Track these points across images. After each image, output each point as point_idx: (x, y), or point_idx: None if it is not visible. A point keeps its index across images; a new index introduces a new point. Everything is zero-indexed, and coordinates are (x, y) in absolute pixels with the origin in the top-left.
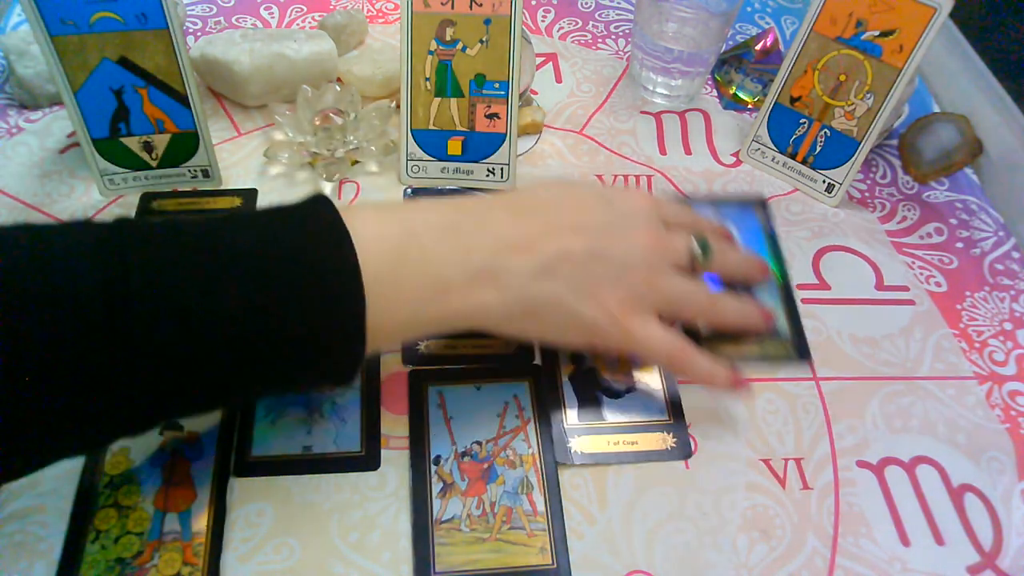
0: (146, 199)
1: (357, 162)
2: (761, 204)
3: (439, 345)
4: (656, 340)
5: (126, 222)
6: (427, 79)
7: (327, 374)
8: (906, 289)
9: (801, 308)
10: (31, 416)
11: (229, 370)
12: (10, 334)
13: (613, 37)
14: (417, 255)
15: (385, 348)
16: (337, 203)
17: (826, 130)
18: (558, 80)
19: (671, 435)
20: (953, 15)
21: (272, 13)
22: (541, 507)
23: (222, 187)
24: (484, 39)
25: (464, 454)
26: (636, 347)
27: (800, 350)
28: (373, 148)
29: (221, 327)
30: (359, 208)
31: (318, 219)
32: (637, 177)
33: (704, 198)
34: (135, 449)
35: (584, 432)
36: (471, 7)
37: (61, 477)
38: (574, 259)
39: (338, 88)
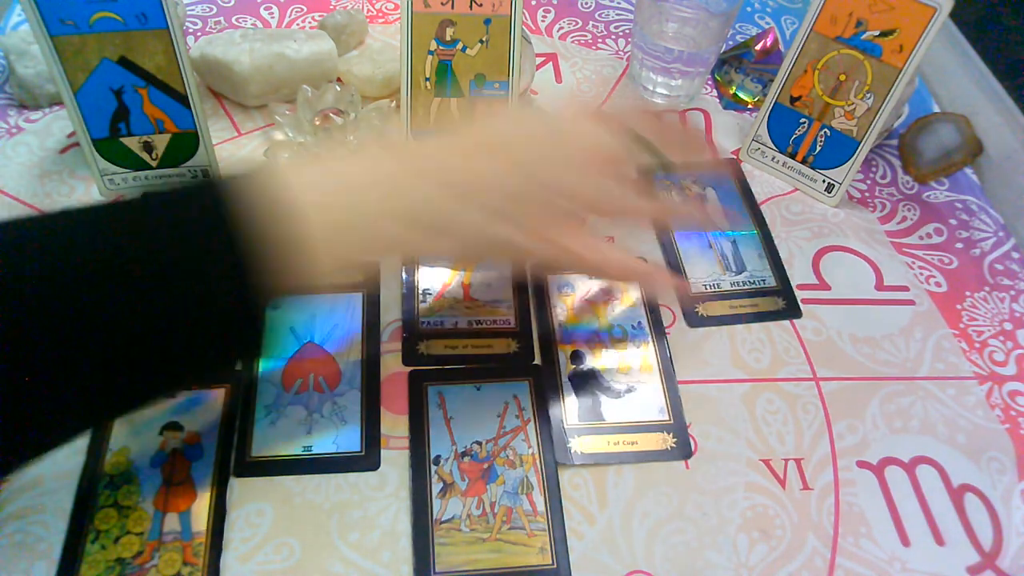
0: None
1: None
2: (734, 166)
3: (439, 345)
4: (581, 249)
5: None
6: (427, 79)
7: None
8: (906, 289)
9: (801, 308)
10: None
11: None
12: None
13: (613, 37)
14: (354, 215)
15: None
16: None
17: (826, 130)
18: (558, 80)
19: (671, 435)
20: (953, 15)
21: (272, 13)
22: (541, 507)
23: None
24: (484, 39)
25: (464, 454)
26: (563, 259)
27: (789, 303)
28: None
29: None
30: (297, 167)
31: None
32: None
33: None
34: (135, 449)
35: (584, 432)
36: (471, 7)
37: (61, 477)
38: (519, 196)
39: (338, 88)
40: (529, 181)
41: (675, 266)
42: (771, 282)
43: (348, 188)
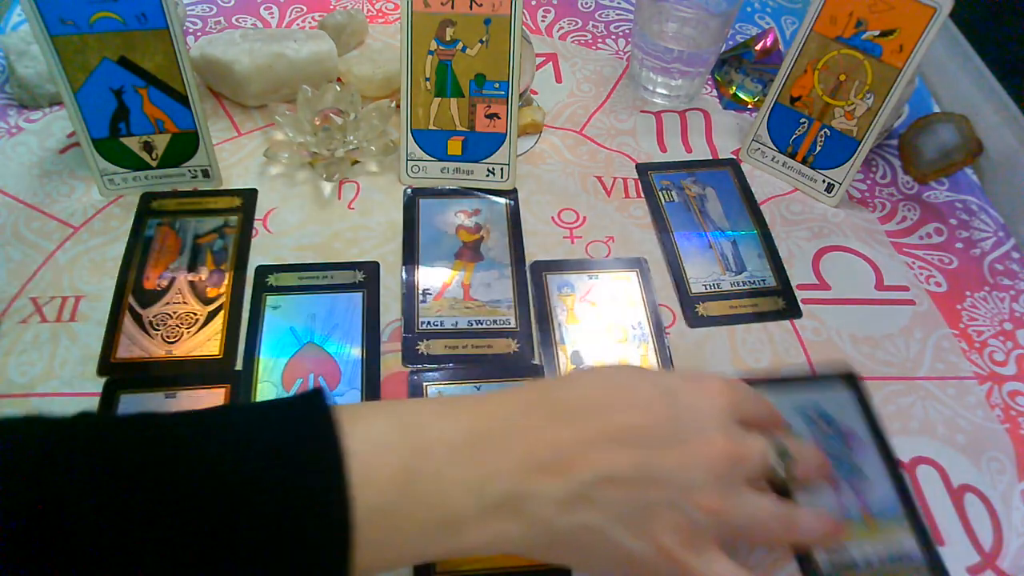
0: (146, 199)
1: (357, 162)
2: (733, 166)
3: (439, 345)
4: (708, 571)
5: (80, 428)
6: (427, 79)
7: None
8: (906, 289)
9: (801, 308)
10: None
11: None
12: None
13: (613, 37)
14: (426, 483)
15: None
16: (335, 404)
17: (826, 130)
18: (558, 80)
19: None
20: (953, 15)
21: (272, 13)
22: None
23: (222, 187)
24: (484, 39)
25: None
26: None
27: (789, 303)
28: (373, 148)
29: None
30: (362, 412)
31: (307, 432)
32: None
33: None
34: None
35: None
36: (471, 7)
37: None
38: (619, 481)
39: (338, 88)
40: (668, 487)
41: (675, 266)
42: (771, 282)
43: (426, 457)
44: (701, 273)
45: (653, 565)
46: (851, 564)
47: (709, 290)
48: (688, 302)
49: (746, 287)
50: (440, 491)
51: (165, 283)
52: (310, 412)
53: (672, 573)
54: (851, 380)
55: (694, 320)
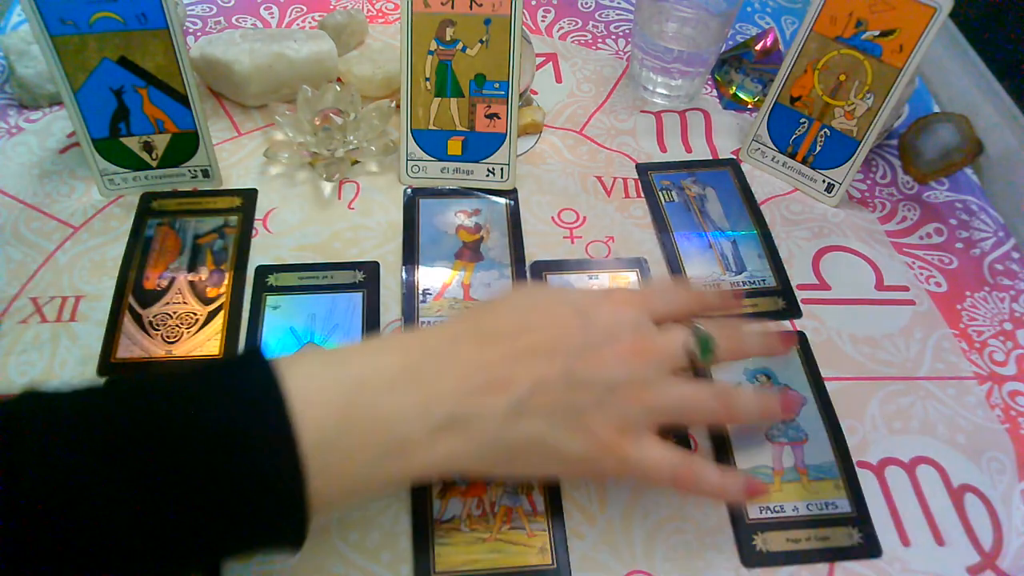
0: (146, 199)
1: (357, 162)
2: (733, 166)
3: None
4: (655, 462)
5: (28, 399)
6: (427, 79)
7: (272, 544)
8: (906, 289)
9: (801, 308)
10: None
11: (165, 550)
12: None
13: (613, 37)
14: (367, 413)
15: (342, 510)
16: (275, 358)
17: (826, 130)
18: (558, 80)
19: (671, 435)
20: (953, 15)
21: (272, 13)
22: (541, 507)
23: (222, 187)
24: (484, 39)
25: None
26: (634, 473)
27: (789, 303)
28: (373, 148)
29: (145, 517)
30: (300, 361)
31: (249, 385)
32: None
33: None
34: None
35: None
36: (471, 7)
37: None
38: (550, 390)
39: (338, 88)
40: (579, 384)
41: (675, 266)
42: (771, 282)
43: (368, 389)
44: (701, 273)
45: (594, 460)
46: (782, 519)
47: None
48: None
49: (746, 287)
50: (383, 418)
51: (165, 283)
52: (250, 365)
53: (613, 464)
54: (800, 337)
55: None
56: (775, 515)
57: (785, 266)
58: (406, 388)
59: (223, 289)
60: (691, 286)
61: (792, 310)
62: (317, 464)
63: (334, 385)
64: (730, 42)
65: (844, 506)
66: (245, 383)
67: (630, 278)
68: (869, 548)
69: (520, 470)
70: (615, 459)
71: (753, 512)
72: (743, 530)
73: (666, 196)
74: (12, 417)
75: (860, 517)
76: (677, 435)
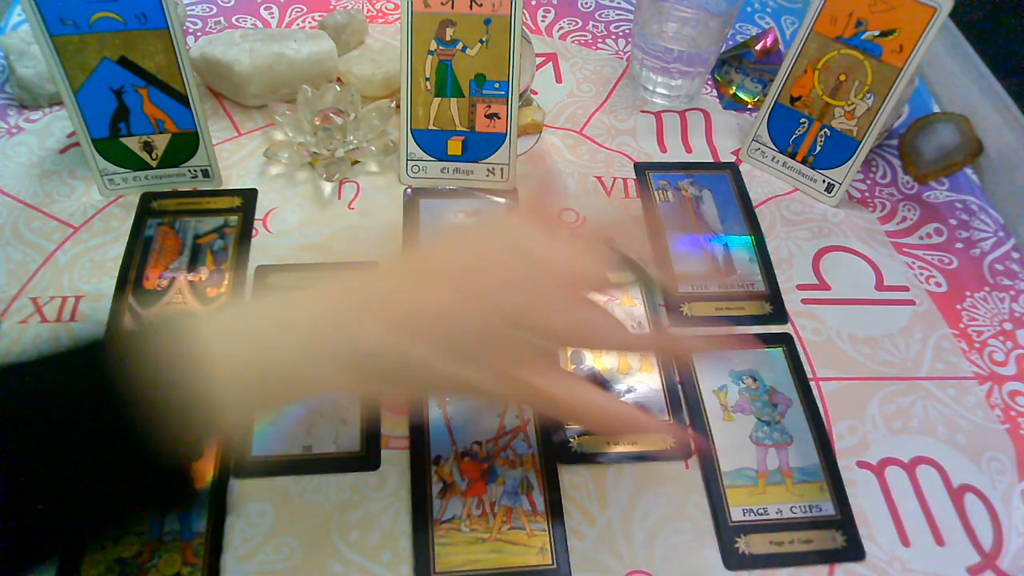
0: (146, 199)
1: (357, 162)
2: (732, 169)
3: None
4: (558, 394)
5: None
6: (427, 79)
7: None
8: (906, 289)
9: (801, 308)
10: None
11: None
12: None
13: (613, 37)
14: (264, 357)
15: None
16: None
17: (826, 130)
18: (558, 80)
19: (671, 435)
20: (953, 15)
21: (272, 13)
22: (541, 507)
23: (222, 187)
24: (484, 39)
25: (464, 454)
26: (535, 404)
27: (776, 308)
28: (373, 148)
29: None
30: (203, 317)
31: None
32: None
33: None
34: None
35: (584, 432)
36: (471, 7)
37: None
38: (447, 318)
39: (338, 88)
40: (491, 315)
41: (664, 265)
42: (760, 286)
43: (263, 332)
44: (690, 272)
45: (492, 388)
46: (766, 522)
47: (696, 290)
48: (673, 303)
49: (733, 290)
50: (279, 360)
51: (165, 283)
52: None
53: (512, 393)
54: (786, 340)
55: (678, 320)
56: (759, 517)
57: (784, 266)
58: (297, 329)
59: (223, 289)
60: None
61: (778, 315)
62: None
63: (234, 338)
64: (730, 42)
65: (828, 509)
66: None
67: (630, 278)
68: (852, 551)
69: (408, 390)
70: (515, 388)
71: (736, 514)
72: (726, 532)
73: (661, 196)
74: None
75: (844, 520)
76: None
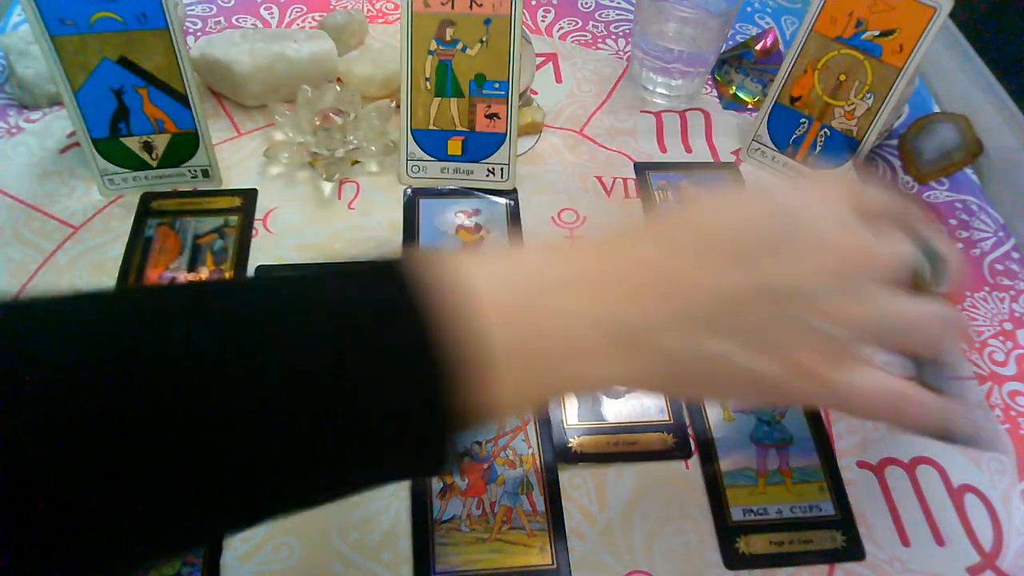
0: (146, 199)
1: (357, 162)
2: (732, 170)
3: None
4: (868, 392)
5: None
6: (427, 79)
7: (409, 460)
8: None
9: None
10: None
11: (301, 449)
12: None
13: (613, 37)
14: (550, 317)
15: (513, 414)
16: (447, 255)
17: (826, 130)
18: (558, 80)
19: (671, 435)
20: (953, 15)
21: (272, 13)
22: (541, 507)
23: (222, 187)
24: (484, 39)
25: (464, 454)
26: (841, 405)
27: None
28: (373, 148)
29: (292, 387)
30: (479, 259)
31: (425, 280)
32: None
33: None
34: None
35: (584, 432)
36: (471, 7)
37: None
38: (742, 302)
39: (338, 88)
40: (792, 300)
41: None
42: None
43: (546, 287)
44: None
45: (793, 386)
46: (766, 522)
47: None
48: None
49: None
50: (566, 326)
51: (165, 283)
52: (420, 263)
53: (815, 390)
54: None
55: None
56: (759, 517)
57: None
58: (583, 295)
59: None
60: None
61: None
62: (491, 366)
63: (512, 287)
64: (730, 42)
65: (828, 509)
66: (419, 276)
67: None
68: (852, 551)
69: (707, 392)
70: (817, 386)
71: (736, 514)
72: (726, 532)
73: (661, 196)
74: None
75: (844, 520)
76: (677, 437)
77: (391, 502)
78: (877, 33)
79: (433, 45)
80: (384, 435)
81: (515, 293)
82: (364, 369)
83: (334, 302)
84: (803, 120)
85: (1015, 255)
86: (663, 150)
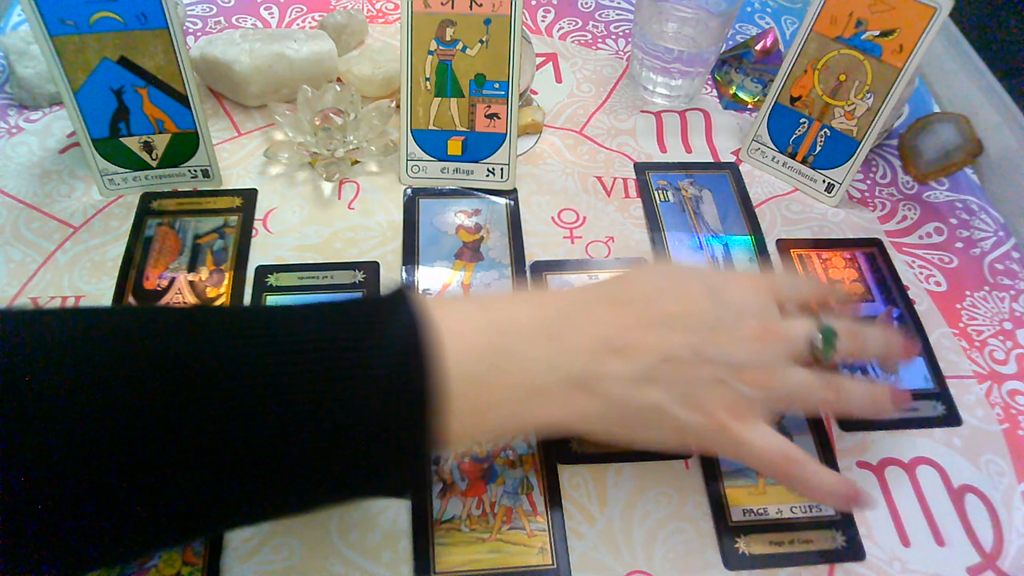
0: (146, 199)
1: (357, 162)
2: (733, 170)
3: None
4: (765, 449)
5: (196, 310)
6: (427, 79)
7: (386, 482)
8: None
9: None
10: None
11: (282, 470)
12: (59, 417)
13: (613, 37)
14: (508, 358)
15: (467, 445)
16: (419, 297)
17: (826, 130)
18: (558, 80)
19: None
20: (953, 15)
21: (272, 13)
22: (541, 507)
23: (222, 187)
24: (484, 39)
25: (464, 454)
26: (742, 456)
27: None
28: (373, 148)
29: (281, 421)
30: (446, 303)
31: (402, 316)
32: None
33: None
34: None
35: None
36: (471, 7)
37: None
38: (676, 361)
39: (338, 88)
40: (722, 363)
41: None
42: None
43: (506, 330)
44: None
45: (708, 436)
46: (766, 522)
47: None
48: None
49: None
50: (523, 368)
51: (165, 283)
52: (398, 302)
53: (724, 443)
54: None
55: None
56: (758, 518)
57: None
58: (543, 341)
59: (223, 289)
60: (813, 280)
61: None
62: (460, 402)
63: (478, 328)
64: (730, 42)
65: (828, 509)
66: (396, 314)
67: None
68: (852, 551)
69: (640, 435)
70: (727, 440)
71: (736, 515)
72: (726, 533)
73: (661, 196)
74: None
75: (844, 520)
76: None
77: (391, 502)
78: (877, 33)
79: (433, 45)
80: (358, 454)
81: (479, 335)
82: (342, 395)
83: (318, 338)
84: (803, 120)
85: (1015, 255)
86: (663, 150)
